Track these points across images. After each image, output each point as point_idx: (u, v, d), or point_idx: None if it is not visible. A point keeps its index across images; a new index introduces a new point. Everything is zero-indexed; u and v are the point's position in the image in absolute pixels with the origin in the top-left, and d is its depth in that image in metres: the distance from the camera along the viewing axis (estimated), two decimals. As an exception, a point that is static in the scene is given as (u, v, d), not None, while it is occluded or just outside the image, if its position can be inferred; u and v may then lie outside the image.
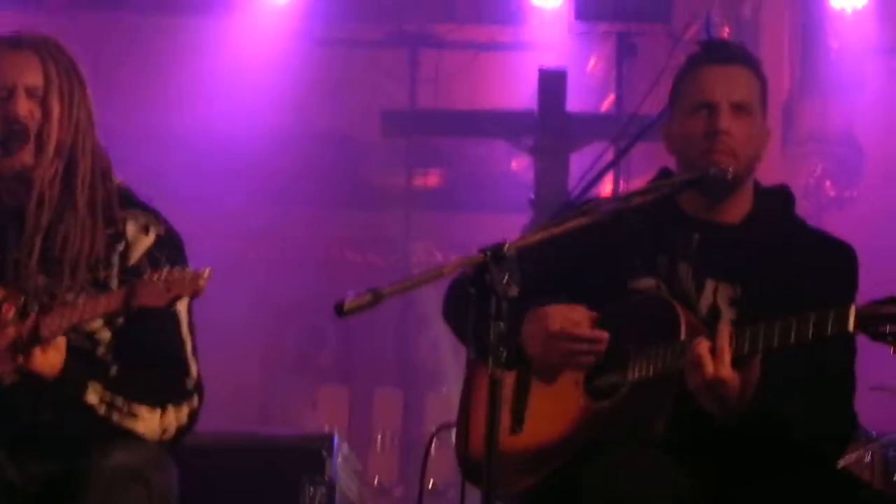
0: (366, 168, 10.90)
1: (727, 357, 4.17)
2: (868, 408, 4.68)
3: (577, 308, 4.44)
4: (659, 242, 4.55)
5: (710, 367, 4.16)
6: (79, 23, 9.86)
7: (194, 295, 4.22)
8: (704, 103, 4.49)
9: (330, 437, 6.08)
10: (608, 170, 5.59)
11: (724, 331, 4.20)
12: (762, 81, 4.60)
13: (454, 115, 10.59)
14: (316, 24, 10.81)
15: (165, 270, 4.21)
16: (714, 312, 4.43)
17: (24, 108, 4.49)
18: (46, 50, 4.59)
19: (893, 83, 10.73)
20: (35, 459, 4.40)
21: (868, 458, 6.36)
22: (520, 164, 10.14)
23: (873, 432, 6.34)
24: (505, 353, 3.89)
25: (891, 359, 4.09)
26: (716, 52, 4.70)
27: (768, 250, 4.53)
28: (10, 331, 4.30)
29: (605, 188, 6.38)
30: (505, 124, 9.77)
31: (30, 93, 4.50)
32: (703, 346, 4.16)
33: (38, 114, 4.50)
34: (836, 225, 4.69)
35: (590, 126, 9.23)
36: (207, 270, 4.19)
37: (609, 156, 5.63)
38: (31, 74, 4.52)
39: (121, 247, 4.52)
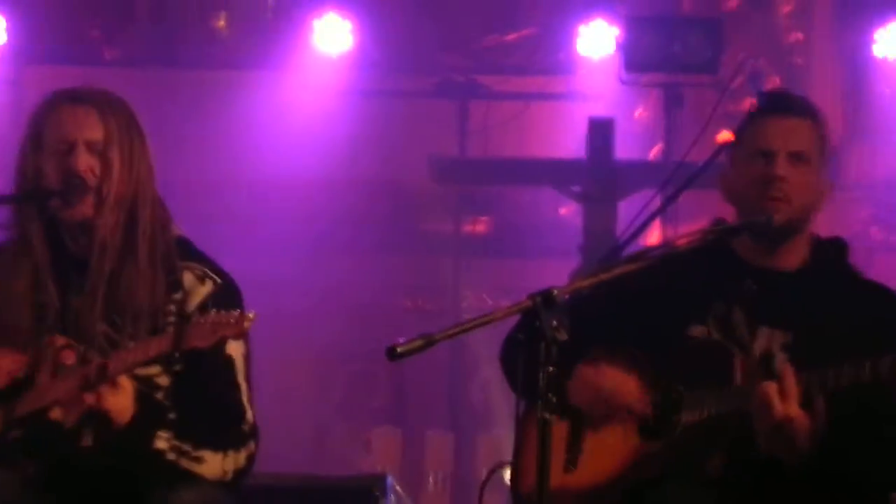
0: (415, 216, 10.91)
1: (795, 397, 4.18)
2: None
3: (628, 380, 4.47)
4: (714, 289, 4.56)
5: (779, 406, 4.19)
6: (138, 77, 9.91)
7: (239, 336, 4.29)
8: (763, 151, 4.53)
9: (383, 478, 6.10)
10: (655, 217, 5.58)
11: (789, 372, 4.22)
12: (822, 133, 4.63)
13: (503, 164, 10.64)
14: (366, 77, 10.84)
15: (213, 313, 4.25)
16: (768, 358, 4.43)
17: (84, 162, 4.52)
18: (107, 104, 4.61)
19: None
20: (95, 501, 4.47)
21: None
22: (568, 211, 10.15)
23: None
24: (555, 396, 3.93)
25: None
26: (776, 103, 4.74)
27: (822, 299, 4.54)
28: (77, 373, 4.32)
29: (653, 235, 6.38)
30: (553, 172, 9.79)
31: (90, 147, 4.52)
32: (771, 387, 4.22)
33: (97, 168, 4.52)
34: (885, 269, 4.68)
35: (637, 174, 9.23)
36: (252, 313, 4.26)
37: (656, 203, 5.62)
38: (92, 129, 4.54)
39: (178, 296, 4.55)
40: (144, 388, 4.41)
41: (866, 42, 10.71)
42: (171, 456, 4.38)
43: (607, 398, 4.46)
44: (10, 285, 4.58)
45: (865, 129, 10.79)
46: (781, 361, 4.32)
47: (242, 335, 4.30)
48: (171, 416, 4.43)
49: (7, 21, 10.75)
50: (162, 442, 4.38)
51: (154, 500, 4.30)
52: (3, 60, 10.79)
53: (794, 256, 4.57)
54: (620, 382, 4.47)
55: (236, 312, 4.26)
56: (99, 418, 4.33)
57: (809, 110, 4.61)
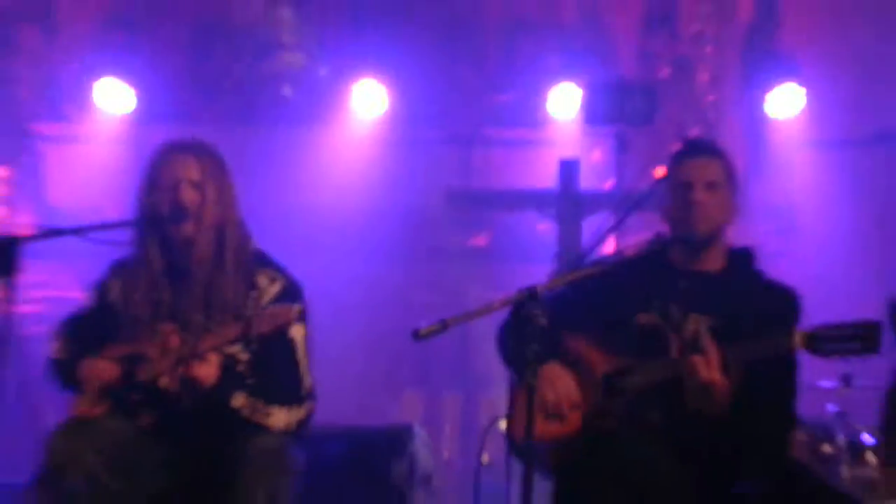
0: (432, 233, 10.85)
1: (716, 367, 4.18)
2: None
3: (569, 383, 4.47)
4: (655, 286, 4.55)
5: (704, 373, 4.17)
6: (226, 133, 9.90)
7: (290, 324, 4.32)
8: (685, 183, 4.51)
9: (410, 427, 6.08)
10: (610, 233, 5.55)
11: (712, 348, 4.21)
12: (729, 168, 4.64)
13: (497, 193, 10.56)
14: (395, 129, 10.80)
15: (271, 307, 4.28)
16: (696, 337, 4.42)
17: (187, 196, 4.53)
18: (203, 152, 4.63)
19: (817, 169, 10.65)
20: (190, 446, 4.50)
21: (802, 439, 6.32)
22: (545, 228, 10.07)
23: (804, 419, 6.30)
24: (538, 366, 3.94)
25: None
26: (694, 147, 4.76)
27: (737, 293, 4.55)
28: (177, 351, 4.30)
29: (608, 246, 6.33)
30: (534, 199, 9.75)
31: (191, 184, 4.54)
32: (698, 359, 4.17)
33: (196, 199, 4.53)
34: (782, 272, 4.68)
35: (596, 200, 9.20)
36: (297, 308, 4.33)
37: (610, 222, 5.59)
38: (192, 170, 4.56)
39: (255, 293, 4.58)
40: (228, 362, 4.41)
41: (760, 102, 10.69)
42: (246, 411, 4.39)
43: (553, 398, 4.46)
44: (134, 288, 4.59)
45: (762, 165, 10.74)
46: (706, 340, 4.29)
47: (292, 323, 4.32)
48: (249, 381, 4.43)
49: (136, 92, 10.79)
50: (239, 400, 4.38)
51: (237, 445, 4.29)
52: (127, 120, 10.78)
53: (714, 261, 4.56)
54: (566, 385, 4.47)
55: (287, 306, 4.31)
56: (191, 383, 4.33)
57: (719, 152, 4.64)
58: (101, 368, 4.49)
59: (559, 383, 4.45)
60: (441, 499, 6.57)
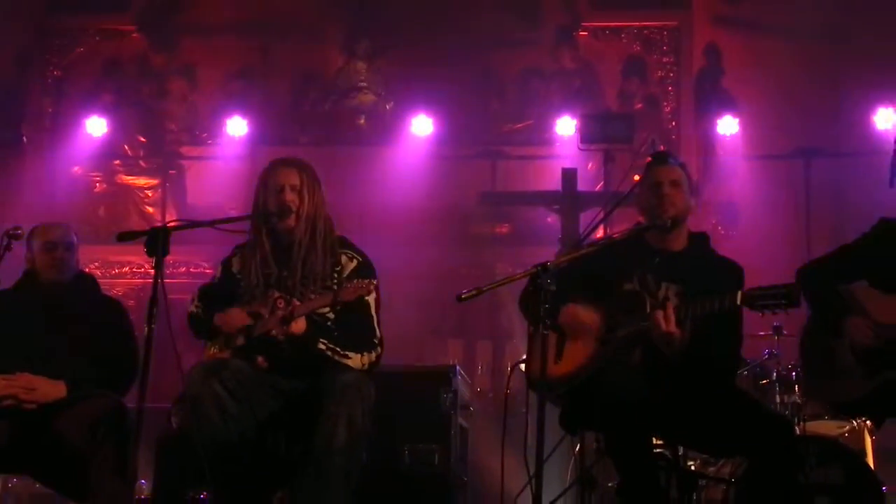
0: (469, 225, 10.81)
1: (672, 319, 4.13)
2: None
3: (588, 312, 4.38)
4: (636, 261, 4.49)
5: (663, 325, 4.12)
6: (318, 151, 9.96)
7: (366, 294, 4.28)
8: (656, 183, 4.45)
9: (454, 367, 6.00)
10: (601, 223, 5.47)
11: (670, 306, 4.15)
12: (687, 174, 4.59)
13: (517, 194, 10.52)
14: (441, 148, 10.77)
15: (355, 281, 4.27)
16: (665, 300, 4.36)
17: (290, 197, 4.52)
18: (301, 165, 4.64)
19: (752, 173, 10.56)
20: (291, 380, 4.41)
21: (745, 374, 6.23)
22: (553, 219, 10.01)
23: (747, 360, 6.20)
24: (549, 322, 3.89)
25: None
26: (661, 158, 4.69)
27: (696, 266, 4.48)
28: (282, 312, 4.24)
29: (599, 232, 6.26)
30: (544, 198, 9.69)
31: (292, 188, 4.53)
32: (659, 314, 4.14)
33: (297, 200, 4.52)
34: (726, 251, 4.61)
35: (590, 199, 9.11)
36: (371, 282, 4.31)
37: (601, 215, 5.50)
38: (294, 178, 4.54)
39: (338, 269, 4.55)
40: (319, 319, 4.39)
41: (713, 125, 10.65)
42: (329, 353, 4.35)
43: (580, 323, 4.38)
44: (250, 265, 4.57)
45: (711, 172, 10.69)
46: (672, 302, 4.23)
47: (367, 294, 4.30)
48: (335, 333, 4.40)
49: (247, 121, 10.77)
50: (323, 346, 4.35)
51: (325, 379, 4.27)
52: (245, 143, 10.80)
53: (679, 242, 4.49)
54: (586, 315, 4.39)
55: (366, 280, 4.28)
56: (292, 335, 4.31)
57: (679, 162, 4.63)
58: (233, 316, 4.45)
59: (576, 311, 4.38)
60: (477, 421, 6.50)
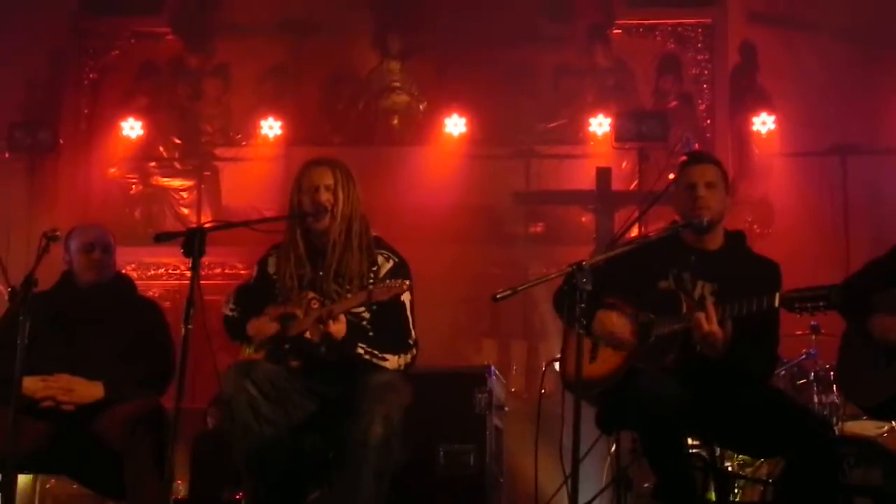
0: (503, 223, 10.78)
1: (714, 318, 4.09)
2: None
3: (621, 320, 4.35)
4: (672, 260, 4.46)
5: (705, 325, 4.09)
6: (353, 151, 9.97)
7: (400, 294, 4.25)
8: (691, 184, 4.41)
9: (489, 367, 5.99)
10: (636, 222, 5.45)
11: (711, 306, 4.13)
12: (723, 173, 4.55)
13: (551, 193, 10.50)
14: (474, 148, 10.76)
15: (388, 281, 4.26)
16: (702, 299, 4.33)
17: (325, 196, 4.51)
18: (336, 165, 4.62)
19: (787, 170, 10.48)
20: (325, 382, 4.40)
21: (783, 373, 6.19)
22: (587, 218, 10.00)
23: (785, 359, 6.16)
24: (584, 321, 3.88)
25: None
26: (696, 157, 4.66)
27: (733, 264, 4.46)
28: (317, 312, 4.23)
29: (634, 231, 6.23)
30: (579, 197, 9.71)
31: (327, 188, 4.52)
32: (701, 315, 4.09)
33: (331, 199, 4.51)
34: (761, 249, 4.58)
35: (624, 198, 9.11)
36: (405, 282, 4.29)
37: (635, 214, 5.48)
38: (328, 178, 4.54)
39: (374, 269, 4.55)
40: (355, 319, 4.38)
41: (748, 122, 10.59)
42: (367, 356, 4.34)
43: (610, 332, 4.35)
44: (285, 265, 4.58)
45: (747, 170, 10.62)
46: (708, 301, 4.20)
47: (404, 292, 4.29)
48: (371, 334, 4.39)
49: (281, 122, 10.80)
50: (361, 349, 4.34)
51: (361, 380, 4.26)
52: (280, 143, 10.83)
53: (715, 241, 4.46)
54: (618, 323, 4.37)
55: (400, 280, 4.27)
56: (327, 336, 4.31)
57: (715, 160, 4.56)
58: (263, 325, 4.46)
59: (608, 321, 4.36)
60: (511, 421, 6.48)
